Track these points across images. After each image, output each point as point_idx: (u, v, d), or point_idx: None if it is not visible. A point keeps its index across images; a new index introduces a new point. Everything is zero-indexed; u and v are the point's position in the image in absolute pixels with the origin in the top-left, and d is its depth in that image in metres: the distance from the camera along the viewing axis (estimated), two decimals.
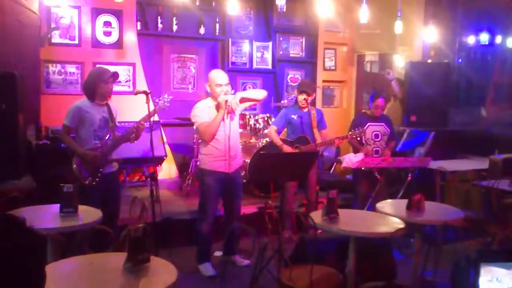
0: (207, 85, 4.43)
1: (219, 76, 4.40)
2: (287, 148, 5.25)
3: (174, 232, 5.07)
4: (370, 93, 5.94)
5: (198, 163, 4.62)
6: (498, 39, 7.76)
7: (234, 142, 4.50)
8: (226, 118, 4.37)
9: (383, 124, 5.61)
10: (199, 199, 4.55)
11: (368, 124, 5.55)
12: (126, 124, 5.36)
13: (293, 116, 5.38)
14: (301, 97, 5.30)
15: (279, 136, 5.48)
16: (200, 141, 4.61)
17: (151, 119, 4.16)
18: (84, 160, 4.06)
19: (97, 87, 4.13)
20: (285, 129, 5.58)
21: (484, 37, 7.72)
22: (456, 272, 2.10)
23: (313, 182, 5.38)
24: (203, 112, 4.37)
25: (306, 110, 5.38)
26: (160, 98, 4.48)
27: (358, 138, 5.38)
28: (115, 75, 4.25)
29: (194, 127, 4.50)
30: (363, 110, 6.10)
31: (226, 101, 4.24)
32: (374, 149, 5.55)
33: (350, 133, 5.30)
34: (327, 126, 5.56)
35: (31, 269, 1.27)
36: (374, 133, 5.58)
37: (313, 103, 5.62)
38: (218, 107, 4.31)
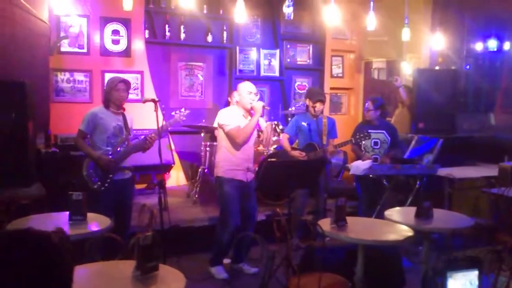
0: (236, 94, 4.54)
1: (250, 84, 4.56)
2: (294, 153, 5.25)
3: (182, 240, 5.07)
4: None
5: (215, 170, 4.59)
6: (507, 45, 7.72)
7: (252, 153, 4.62)
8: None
9: (383, 132, 5.59)
10: (220, 209, 4.56)
11: (368, 131, 5.54)
12: (135, 131, 5.38)
13: (303, 123, 5.38)
14: (319, 106, 5.30)
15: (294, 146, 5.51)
16: (219, 148, 4.60)
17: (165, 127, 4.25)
18: (98, 164, 4.11)
19: (109, 94, 4.26)
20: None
21: (492, 44, 7.67)
22: (424, 282, 2.16)
23: (322, 189, 5.36)
24: (232, 117, 4.45)
25: (317, 118, 5.36)
26: (177, 112, 4.54)
27: (363, 141, 5.37)
28: (124, 81, 4.31)
29: (222, 131, 4.47)
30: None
31: (264, 106, 4.47)
32: (373, 156, 5.52)
33: (353, 138, 5.28)
34: (338, 136, 5.54)
35: (63, 285, 1.28)
36: (374, 140, 5.56)
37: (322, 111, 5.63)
38: (248, 113, 4.49)
